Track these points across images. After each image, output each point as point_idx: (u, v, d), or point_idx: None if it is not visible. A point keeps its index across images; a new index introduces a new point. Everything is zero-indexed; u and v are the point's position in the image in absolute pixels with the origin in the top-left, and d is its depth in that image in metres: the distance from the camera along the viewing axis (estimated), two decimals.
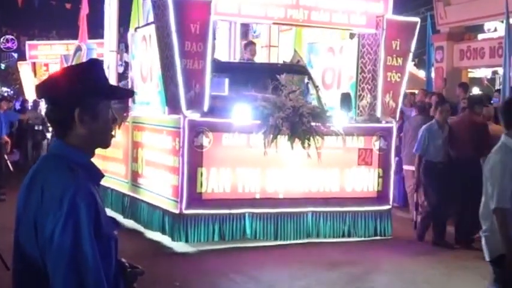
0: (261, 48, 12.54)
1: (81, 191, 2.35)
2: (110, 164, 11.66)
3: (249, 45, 12.16)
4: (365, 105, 10.21)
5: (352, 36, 10.60)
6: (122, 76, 13.26)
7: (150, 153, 10.13)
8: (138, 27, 10.73)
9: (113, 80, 12.86)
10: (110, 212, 11.58)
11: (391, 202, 10.17)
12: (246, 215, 9.40)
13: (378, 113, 10.04)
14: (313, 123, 9.38)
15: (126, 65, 13.93)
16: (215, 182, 9.20)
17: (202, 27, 9.01)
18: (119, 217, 11.15)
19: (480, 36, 20.57)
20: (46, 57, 26.50)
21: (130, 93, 3.21)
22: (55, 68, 25.91)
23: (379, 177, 10.02)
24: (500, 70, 12.87)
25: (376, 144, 9.98)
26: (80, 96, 2.48)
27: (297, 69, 10.87)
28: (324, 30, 11.61)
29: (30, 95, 25.77)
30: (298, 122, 9.32)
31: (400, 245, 9.83)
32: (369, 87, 10.17)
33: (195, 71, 9.02)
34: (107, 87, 2.60)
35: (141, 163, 10.45)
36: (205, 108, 9.08)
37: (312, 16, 9.78)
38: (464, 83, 15.83)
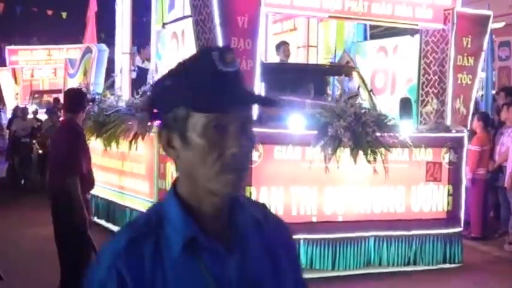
0: (298, 49, 11.15)
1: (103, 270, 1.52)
2: (129, 181, 10.22)
3: (282, 46, 10.82)
4: (430, 111, 8.84)
5: (412, 33, 9.25)
6: (135, 82, 11.83)
7: None
8: (166, 23, 9.28)
9: (125, 87, 11.50)
10: None
11: (462, 224, 8.81)
12: (301, 241, 8.02)
13: (448, 121, 8.69)
14: (378, 133, 8.03)
15: (139, 70, 12.48)
16: (266, 203, 7.76)
17: (251, 20, 7.64)
18: None
19: None
20: (27, 63, 25.21)
21: (270, 102, 1.77)
22: (39, 73, 24.62)
23: (448, 195, 8.67)
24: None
25: (445, 157, 8.62)
26: (164, 107, 1.61)
27: (347, 71, 9.49)
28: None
29: (10, 102, 24.38)
30: (362, 132, 7.95)
31: (477, 276, 8.48)
32: (435, 91, 8.81)
33: (243, 72, 7.61)
34: (210, 93, 1.54)
35: (170, 180, 9.01)
36: (255, 116, 7.68)
37: (373, 8, 8.43)
38: None
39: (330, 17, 8.59)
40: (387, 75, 9.78)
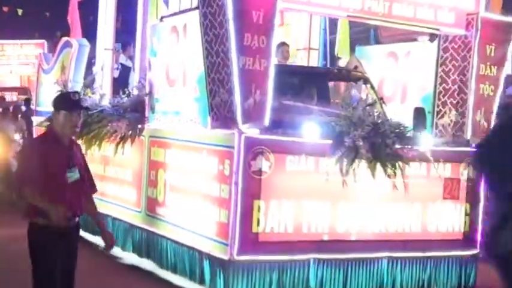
0: (297, 51, 10.41)
1: None
2: (112, 187, 9.37)
3: (281, 47, 10.07)
4: (447, 123, 8.21)
5: (432, 39, 8.60)
6: (117, 81, 11.02)
7: (179, 178, 7.88)
8: (165, 16, 8.44)
9: (107, 85, 10.68)
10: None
11: (478, 245, 8.16)
12: (311, 261, 7.27)
13: (467, 134, 8.05)
14: (397, 145, 7.35)
15: (123, 68, 11.63)
16: (276, 219, 7.03)
17: (266, 16, 6.89)
18: (118, 251, 8.92)
19: None
20: None
21: None
22: None
23: (466, 214, 8.03)
24: None
25: (464, 173, 7.98)
26: None
27: (356, 76, 8.81)
28: None
29: None
30: (381, 144, 7.26)
31: None
32: (454, 101, 8.17)
33: (256, 73, 6.87)
34: None
35: (162, 189, 8.18)
36: (267, 121, 6.94)
37: (394, 10, 7.75)
38: None
39: (348, 16, 7.88)
40: (397, 83, 9.12)
